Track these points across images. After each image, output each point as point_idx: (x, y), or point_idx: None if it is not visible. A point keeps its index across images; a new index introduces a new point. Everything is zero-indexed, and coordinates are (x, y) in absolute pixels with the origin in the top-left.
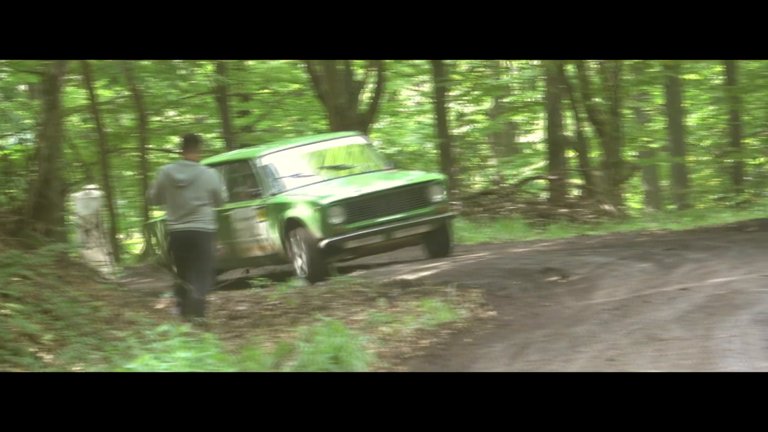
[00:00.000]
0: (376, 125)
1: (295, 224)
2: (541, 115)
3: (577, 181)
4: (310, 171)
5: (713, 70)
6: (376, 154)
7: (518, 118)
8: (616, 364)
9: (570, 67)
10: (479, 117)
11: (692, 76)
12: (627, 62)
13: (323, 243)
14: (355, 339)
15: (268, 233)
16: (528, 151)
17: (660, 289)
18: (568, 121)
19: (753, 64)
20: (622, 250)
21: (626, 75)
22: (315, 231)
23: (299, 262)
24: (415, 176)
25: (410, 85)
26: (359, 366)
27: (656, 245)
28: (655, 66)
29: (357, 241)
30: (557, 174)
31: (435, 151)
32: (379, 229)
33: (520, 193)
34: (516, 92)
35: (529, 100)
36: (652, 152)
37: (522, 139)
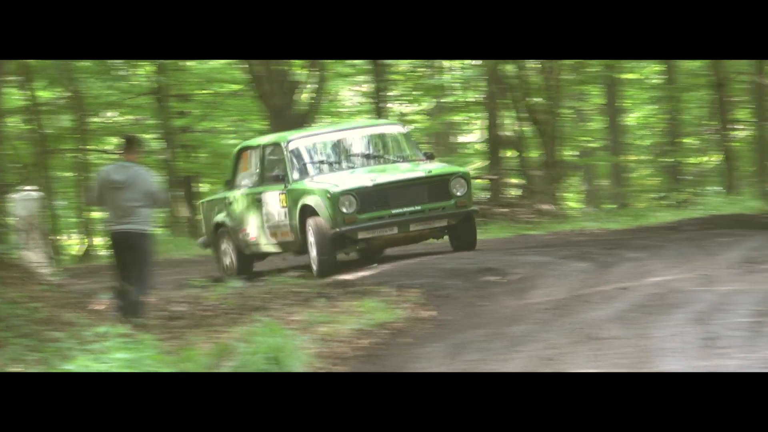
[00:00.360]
0: (315, 125)
1: (309, 212)
2: (481, 115)
3: (517, 180)
4: (339, 158)
5: (652, 70)
6: (412, 143)
7: (458, 118)
8: (554, 364)
9: (509, 67)
10: (419, 117)
11: (631, 76)
12: (566, 62)
13: (332, 232)
14: (293, 339)
15: (288, 220)
16: (467, 151)
17: (598, 289)
18: (508, 120)
19: (692, 64)
20: (560, 249)
21: (565, 75)
22: (326, 220)
23: (313, 253)
24: (436, 168)
25: (350, 86)
26: (298, 367)
27: (595, 245)
28: (595, 66)
29: (369, 232)
30: (496, 174)
31: None
32: (392, 221)
33: None
34: (456, 92)
35: (468, 100)
36: (591, 152)
37: (462, 139)
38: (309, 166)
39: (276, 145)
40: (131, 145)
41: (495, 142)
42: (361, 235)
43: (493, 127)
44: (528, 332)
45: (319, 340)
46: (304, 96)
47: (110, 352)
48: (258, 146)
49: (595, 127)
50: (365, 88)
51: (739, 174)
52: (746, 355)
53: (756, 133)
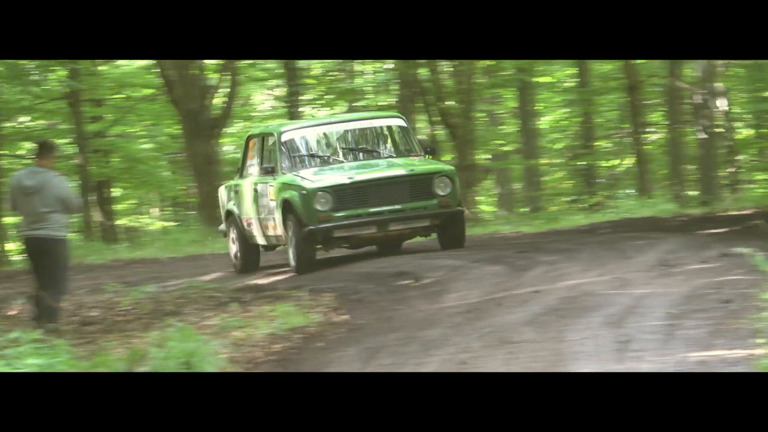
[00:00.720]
0: (229, 130)
1: (289, 207)
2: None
3: None
4: (331, 151)
5: (565, 73)
6: (411, 138)
7: None
8: (468, 367)
9: (423, 70)
10: None
11: (545, 79)
12: (480, 64)
13: (306, 230)
14: (207, 344)
15: (274, 213)
16: None
17: (512, 292)
18: (421, 124)
19: (605, 66)
20: (474, 253)
21: (479, 78)
22: (302, 216)
23: (291, 250)
24: (420, 166)
25: (263, 89)
26: (211, 371)
27: (508, 248)
28: (508, 69)
29: (345, 231)
30: None
31: None
32: (370, 220)
33: None
34: (369, 96)
35: (382, 103)
36: (504, 155)
37: None
38: (298, 159)
39: (271, 135)
40: (44, 150)
41: None
42: (337, 234)
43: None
44: (442, 336)
45: (232, 345)
46: (217, 100)
47: (23, 357)
48: (260, 135)
49: (509, 130)
50: (278, 92)
51: (653, 177)
52: (659, 359)
53: (668, 136)
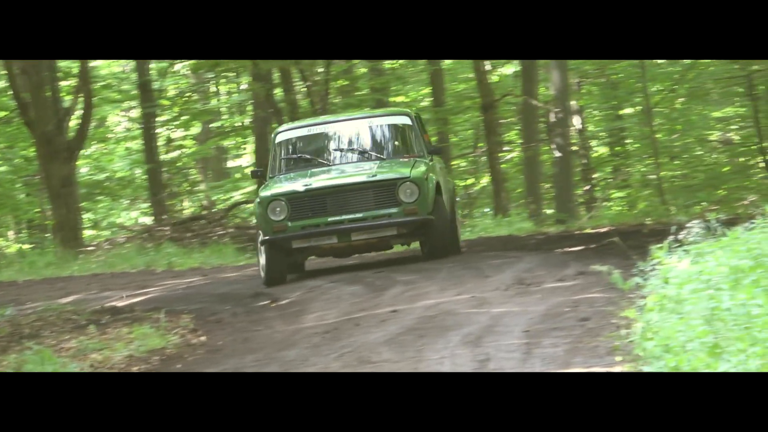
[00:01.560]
0: (84, 151)
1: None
2: (250, 139)
3: None
4: (323, 154)
5: (420, 93)
6: (415, 138)
7: (227, 142)
8: None
9: (278, 91)
10: (188, 142)
11: (400, 98)
12: (334, 85)
13: (260, 240)
14: (65, 367)
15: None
16: (238, 175)
17: (370, 312)
18: None
19: (459, 86)
20: (332, 273)
21: (334, 98)
22: (259, 227)
23: (261, 260)
24: (383, 171)
25: (119, 111)
26: None
27: (366, 268)
28: (363, 89)
29: (303, 242)
30: None
31: (144, 177)
32: (329, 230)
33: (230, 217)
34: (225, 117)
35: (237, 124)
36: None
37: (231, 163)
38: (292, 162)
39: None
40: None
41: (264, 167)
42: (295, 245)
43: (261, 151)
44: (300, 356)
45: (90, 368)
46: (72, 123)
47: None
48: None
49: None
50: (133, 113)
51: (509, 196)
52: None
53: (524, 155)
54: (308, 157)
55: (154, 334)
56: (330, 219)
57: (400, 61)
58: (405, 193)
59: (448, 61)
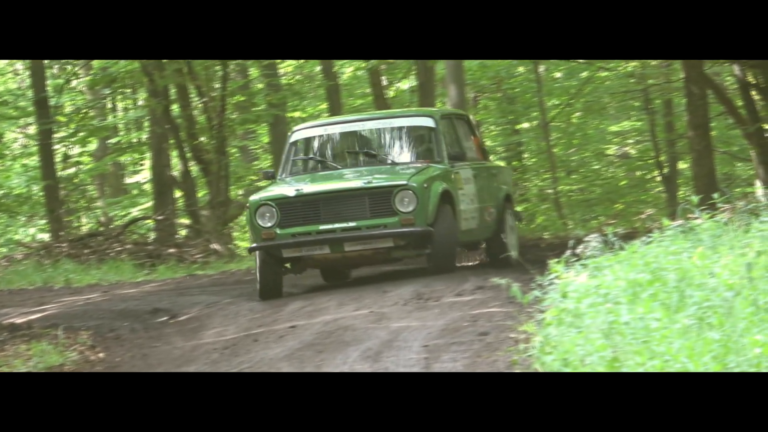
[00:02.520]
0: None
1: None
2: (148, 155)
3: (185, 221)
4: (336, 156)
5: (318, 108)
6: (436, 143)
7: (125, 158)
8: None
9: (175, 107)
10: (85, 158)
11: (297, 114)
12: (232, 101)
13: (249, 248)
14: None
15: None
16: (135, 191)
17: (269, 328)
18: (175, 160)
19: (356, 101)
20: (231, 288)
21: (231, 113)
22: (249, 233)
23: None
24: (379, 178)
25: (15, 128)
26: None
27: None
28: (261, 104)
29: (294, 251)
30: (164, 214)
31: (41, 194)
32: (320, 239)
33: (128, 234)
34: (122, 133)
35: (135, 140)
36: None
37: (129, 179)
38: (296, 164)
39: None
40: None
41: (162, 183)
42: (286, 254)
43: (159, 167)
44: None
45: None
46: None
47: None
48: None
49: (263, 165)
50: (30, 130)
51: None
52: None
53: None
54: (318, 158)
55: (52, 350)
56: (322, 227)
57: (297, 77)
58: (402, 202)
59: (345, 76)
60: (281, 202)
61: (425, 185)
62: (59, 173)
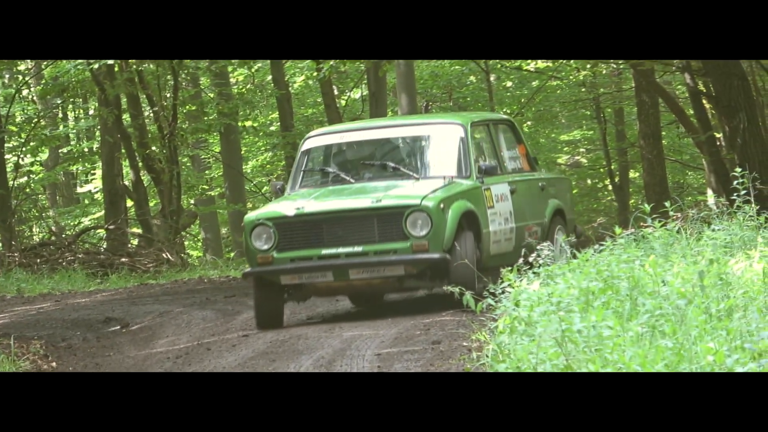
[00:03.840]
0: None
1: None
2: (99, 164)
3: (137, 230)
4: (350, 168)
5: (269, 117)
6: (463, 156)
7: (76, 168)
8: None
9: (126, 116)
10: (37, 168)
11: (249, 123)
12: (183, 110)
13: (244, 273)
14: None
15: None
16: (87, 201)
17: (222, 337)
18: (127, 170)
19: (308, 111)
20: (183, 297)
21: (183, 123)
22: (246, 257)
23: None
24: (390, 197)
25: None
26: None
27: (217, 292)
28: (211, 113)
29: (294, 277)
30: (116, 223)
31: None
32: (323, 264)
33: (80, 243)
34: (73, 142)
35: (86, 150)
36: (211, 199)
37: (81, 189)
38: (307, 176)
39: None
40: None
41: (113, 192)
42: (284, 280)
43: (110, 176)
44: None
45: None
46: None
47: None
48: None
49: (214, 174)
50: None
51: None
52: None
53: None
54: (331, 170)
55: (4, 360)
56: (325, 252)
57: (249, 86)
58: (414, 225)
59: (296, 85)
60: (279, 221)
61: (442, 206)
62: (10, 182)
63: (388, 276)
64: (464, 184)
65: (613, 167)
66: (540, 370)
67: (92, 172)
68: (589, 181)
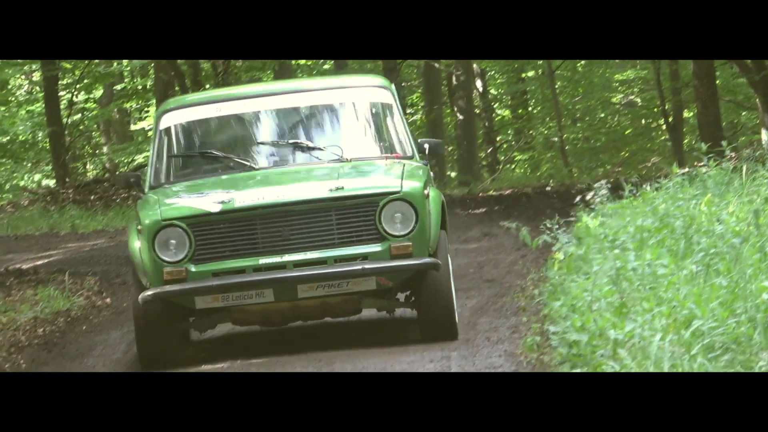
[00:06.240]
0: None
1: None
2: (153, 101)
3: None
4: (242, 149)
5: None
6: (397, 127)
7: (130, 105)
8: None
9: None
10: (91, 105)
11: (302, 62)
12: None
13: (142, 297)
14: None
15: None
16: (140, 138)
17: None
18: None
19: None
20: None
21: (236, 61)
22: (139, 272)
23: None
24: (354, 182)
25: (20, 74)
26: None
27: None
28: None
29: (216, 299)
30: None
31: (47, 140)
32: (261, 279)
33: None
34: (127, 79)
35: (140, 87)
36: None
37: (134, 126)
38: (179, 163)
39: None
40: None
41: None
42: (201, 304)
43: None
44: None
45: None
46: None
47: None
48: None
49: None
50: (35, 77)
51: None
52: None
53: (427, 118)
54: (217, 154)
55: (59, 296)
56: (263, 261)
57: None
58: (391, 220)
59: None
60: (197, 221)
61: (425, 192)
62: (64, 120)
63: (352, 292)
64: (419, 165)
65: (667, 107)
66: (594, 307)
67: (146, 109)
68: (643, 121)
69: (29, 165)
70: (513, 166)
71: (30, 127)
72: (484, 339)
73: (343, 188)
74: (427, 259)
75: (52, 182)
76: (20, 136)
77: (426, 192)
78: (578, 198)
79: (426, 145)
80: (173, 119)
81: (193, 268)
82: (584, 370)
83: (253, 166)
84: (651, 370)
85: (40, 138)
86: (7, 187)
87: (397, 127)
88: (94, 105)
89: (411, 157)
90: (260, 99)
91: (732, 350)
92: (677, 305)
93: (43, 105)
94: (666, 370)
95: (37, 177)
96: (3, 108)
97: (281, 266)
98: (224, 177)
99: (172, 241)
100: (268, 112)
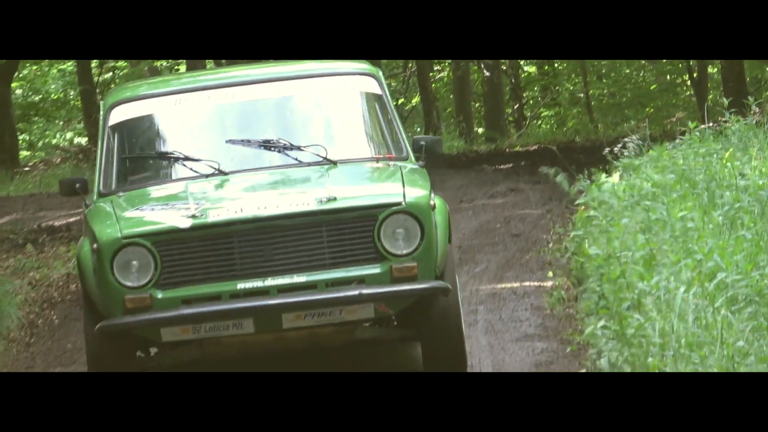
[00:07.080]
0: (18, 74)
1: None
2: (183, 60)
3: None
4: (217, 149)
5: None
6: (387, 123)
7: (160, 64)
8: None
9: None
10: (121, 63)
11: None
12: None
13: (99, 327)
14: (3, 285)
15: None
16: None
17: None
18: (210, 64)
19: None
20: None
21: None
22: (94, 298)
23: None
24: (346, 193)
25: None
26: (10, 311)
27: None
28: None
29: (186, 331)
30: None
31: (78, 98)
32: (239, 307)
33: None
34: None
35: None
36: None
37: None
38: (135, 166)
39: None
40: None
41: None
42: (168, 336)
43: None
44: None
45: (28, 285)
46: None
47: None
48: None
49: None
50: None
51: (440, 115)
52: None
53: (454, 75)
54: (177, 155)
55: None
56: (242, 286)
57: None
58: (393, 237)
59: None
60: (163, 239)
61: (430, 203)
62: (96, 78)
63: (347, 322)
64: (417, 170)
65: (691, 62)
66: (623, 259)
67: (177, 67)
68: (668, 77)
69: (61, 123)
70: (539, 122)
71: (62, 86)
72: (511, 293)
73: (335, 199)
74: (435, 283)
75: (83, 140)
76: (52, 95)
77: (432, 202)
78: (606, 150)
79: (422, 143)
80: (124, 113)
81: (159, 295)
82: (610, 323)
83: (222, 170)
84: (675, 322)
85: (71, 96)
86: (40, 145)
87: (388, 123)
88: (125, 63)
89: (405, 158)
90: (228, 89)
91: (755, 302)
92: (702, 258)
93: (75, 63)
94: (689, 322)
95: (69, 135)
96: (35, 67)
97: (263, 292)
98: (190, 184)
99: (134, 263)
100: (236, 104)
